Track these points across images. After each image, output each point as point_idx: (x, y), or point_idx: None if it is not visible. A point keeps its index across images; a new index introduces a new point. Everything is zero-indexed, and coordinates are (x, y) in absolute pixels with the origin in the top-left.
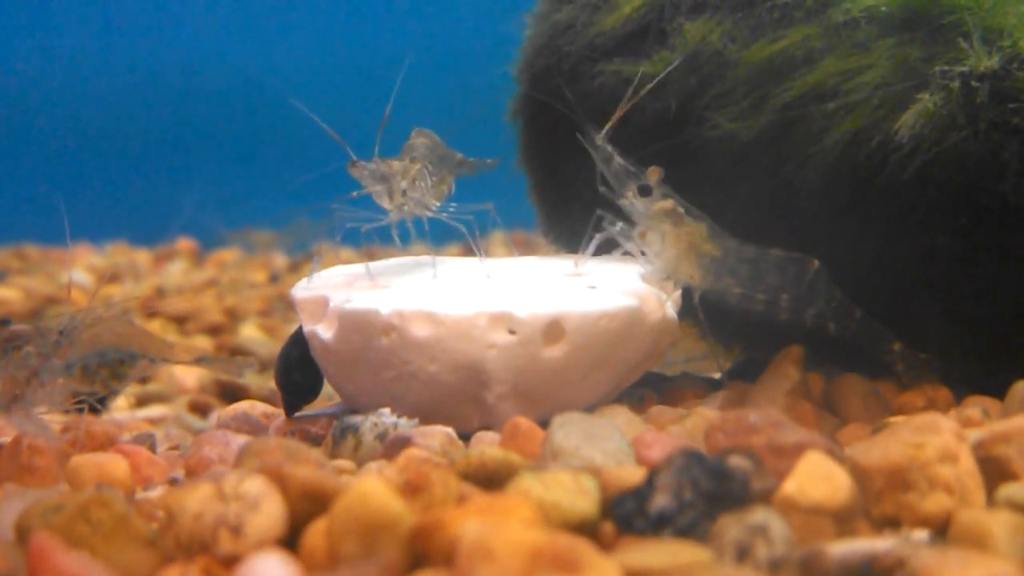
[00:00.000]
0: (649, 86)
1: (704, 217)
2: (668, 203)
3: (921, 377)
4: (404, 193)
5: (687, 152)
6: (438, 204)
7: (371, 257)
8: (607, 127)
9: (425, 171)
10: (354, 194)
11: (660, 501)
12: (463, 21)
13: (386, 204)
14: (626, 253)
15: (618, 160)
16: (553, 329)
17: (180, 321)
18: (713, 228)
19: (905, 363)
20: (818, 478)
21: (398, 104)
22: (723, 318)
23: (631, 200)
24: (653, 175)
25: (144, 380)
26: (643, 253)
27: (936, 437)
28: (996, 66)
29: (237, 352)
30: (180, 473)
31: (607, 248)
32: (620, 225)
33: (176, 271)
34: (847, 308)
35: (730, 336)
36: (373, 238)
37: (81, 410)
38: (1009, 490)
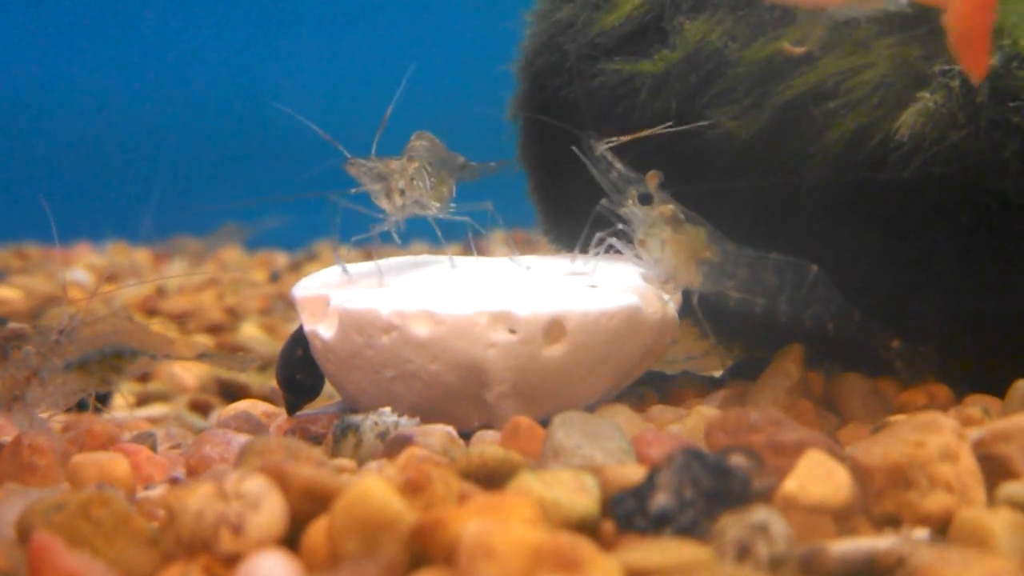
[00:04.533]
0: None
1: (703, 222)
2: (668, 209)
3: (920, 374)
4: (403, 192)
5: (687, 151)
6: (438, 205)
7: (369, 257)
8: (604, 142)
9: (423, 171)
10: (351, 191)
11: (661, 500)
12: (463, 19)
13: (384, 204)
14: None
15: (617, 168)
16: (554, 328)
17: (181, 319)
18: (712, 233)
19: (904, 360)
20: (819, 477)
21: (399, 104)
22: (723, 317)
23: (632, 209)
24: (653, 180)
25: (145, 378)
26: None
27: (937, 436)
28: (996, 64)
29: (238, 351)
30: (181, 472)
31: (608, 247)
32: (618, 229)
33: (176, 271)
34: (846, 310)
35: (730, 335)
36: (374, 238)
37: (84, 406)
38: (1010, 489)
